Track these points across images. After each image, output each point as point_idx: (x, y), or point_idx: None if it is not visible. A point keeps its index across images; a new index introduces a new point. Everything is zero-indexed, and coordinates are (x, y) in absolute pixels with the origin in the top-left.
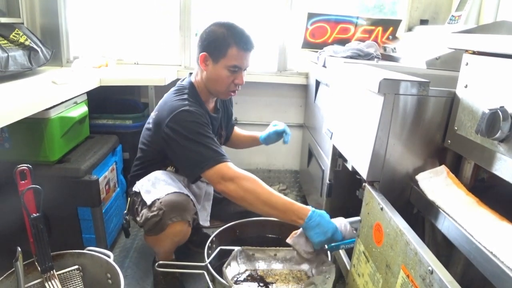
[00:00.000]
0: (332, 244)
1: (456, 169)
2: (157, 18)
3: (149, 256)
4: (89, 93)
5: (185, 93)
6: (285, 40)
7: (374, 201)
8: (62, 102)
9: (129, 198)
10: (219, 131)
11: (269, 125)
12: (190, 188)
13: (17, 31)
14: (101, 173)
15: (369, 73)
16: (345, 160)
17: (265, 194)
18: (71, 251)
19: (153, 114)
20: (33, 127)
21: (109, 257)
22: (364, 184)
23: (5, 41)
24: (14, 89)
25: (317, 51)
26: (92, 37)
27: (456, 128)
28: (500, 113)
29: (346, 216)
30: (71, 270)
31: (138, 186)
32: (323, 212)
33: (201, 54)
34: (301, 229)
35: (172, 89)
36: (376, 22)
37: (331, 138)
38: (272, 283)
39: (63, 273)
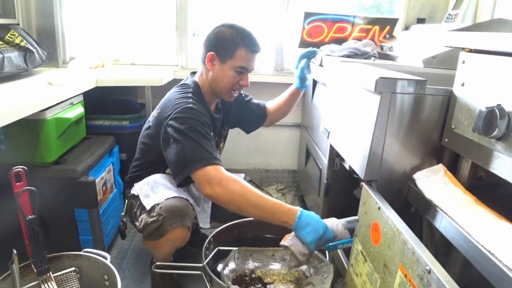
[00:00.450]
0: (330, 244)
1: (453, 168)
2: (154, 18)
3: (147, 257)
4: (85, 94)
5: (189, 91)
6: (282, 39)
7: (371, 200)
8: (58, 103)
9: (126, 200)
10: (220, 131)
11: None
12: (190, 191)
13: (12, 32)
14: (98, 174)
15: (365, 72)
16: (342, 160)
17: (254, 196)
18: (67, 253)
19: (154, 113)
20: (29, 129)
21: (106, 258)
22: (361, 183)
23: (1, 42)
24: (9, 90)
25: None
26: (88, 37)
27: (453, 126)
28: (497, 111)
29: (344, 215)
30: (68, 272)
31: (137, 190)
32: (311, 212)
33: (208, 53)
34: (293, 232)
35: (175, 87)
36: (373, 21)
37: (328, 138)
38: (270, 283)
39: (59, 275)
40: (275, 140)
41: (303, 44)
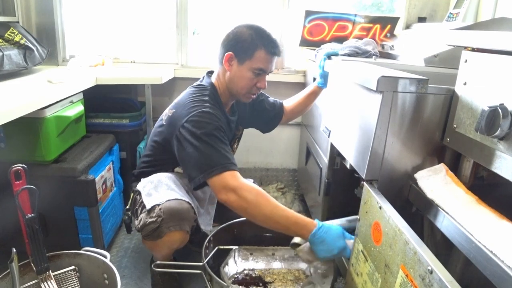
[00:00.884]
0: None
1: (455, 167)
2: (154, 16)
3: (147, 256)
4: (85, 92)
5: (206, 94)
6: (282, 38)
7: (372, 199)
8: (58, 101)
9: (132, 194)
10: (235, 132)
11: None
12: (194, 192)
13: (12, 29)
14: (97, 173)
15: (367, 71)
16: (343, 159)
17: (269, 207)
18: (67, 251)
19: (168, 112)
20: (28, 127)
21: (105, 257)
22: (362, 182)
23: (0, 40)
24: (9, 88)
25: (314, 49)
26: (88, 35)
27: (455, 126)
28: (500, 110)
29: (344, 214)
30: (68, 271)
31: (141, 186)
32: (331, 226)
33: (226, 53)
34: None
35: (191, 87)
36: (374, 20)
37: (329, 136)
38: (271, 282)
39: (59, 273)
40: (275, 138)
41: (304, 42)
